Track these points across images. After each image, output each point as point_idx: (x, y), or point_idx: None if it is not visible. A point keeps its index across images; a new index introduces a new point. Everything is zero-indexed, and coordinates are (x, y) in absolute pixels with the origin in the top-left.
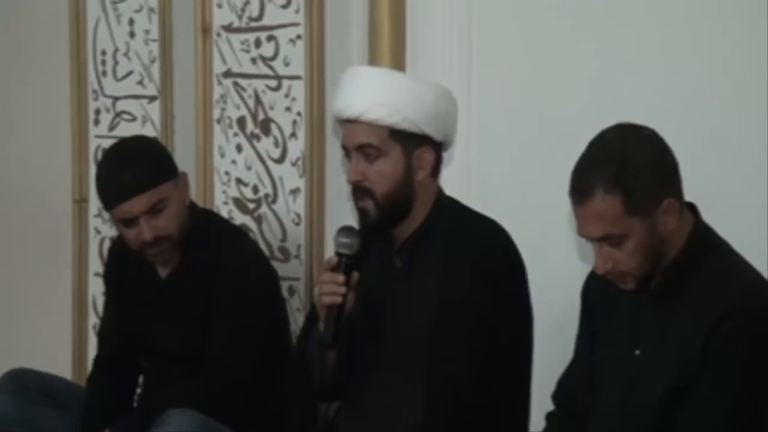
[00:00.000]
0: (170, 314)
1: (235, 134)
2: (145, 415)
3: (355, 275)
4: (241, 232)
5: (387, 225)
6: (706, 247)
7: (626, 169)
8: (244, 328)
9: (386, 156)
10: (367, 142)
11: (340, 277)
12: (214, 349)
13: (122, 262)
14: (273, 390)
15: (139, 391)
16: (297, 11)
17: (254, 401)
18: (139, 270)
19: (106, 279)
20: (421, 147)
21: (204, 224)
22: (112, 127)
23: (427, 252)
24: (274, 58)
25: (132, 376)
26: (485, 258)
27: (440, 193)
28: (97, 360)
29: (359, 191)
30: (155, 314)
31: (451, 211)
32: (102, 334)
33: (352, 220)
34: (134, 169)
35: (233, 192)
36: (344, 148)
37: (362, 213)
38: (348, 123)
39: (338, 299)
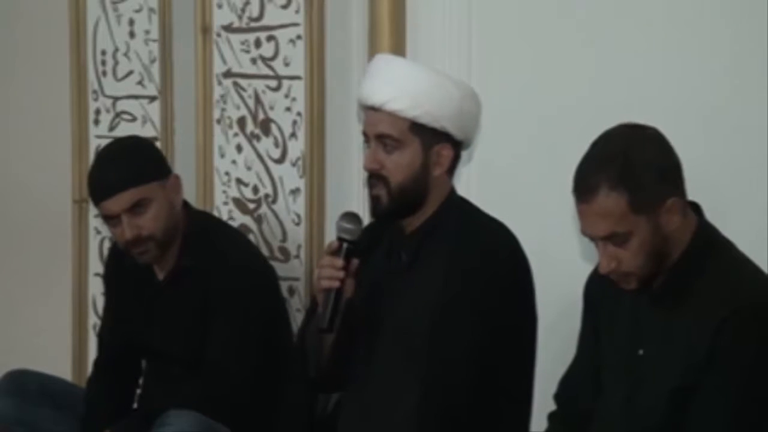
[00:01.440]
0: (168, 316)
1: (235, 134)
2: (146, 416)
3: (355, 261)
4: (238, 233)
5: (397, 215)
6: (710, 246)
7: (630, 168)
8: (242, 328)
9: (405, 148)
10: (387, 132)
11: (339, 262)
12: (213, 351)
13: (121, 265)
14: (273, 390)
15: (139, 392)
16: (297, 11)
17: (254, 401)
18: (138, 272)
19: (105, 281)
20: (441, 143)
21: (200, 226)
22: (112, 127)
23: (433, 248)
24: (274, 58)
25: (132, 377)
26: (489, 258)
27: (452, 191)
28: (97, 362)
29: (374, 178)
30: (153, 316)
31: (460, 209)
32: (101, 337)
33: None
34: (117, 167)
35: (233, 192)
36: (365, 134)
37: (374, 200)
38: (370, 110)
39: (336, 283)
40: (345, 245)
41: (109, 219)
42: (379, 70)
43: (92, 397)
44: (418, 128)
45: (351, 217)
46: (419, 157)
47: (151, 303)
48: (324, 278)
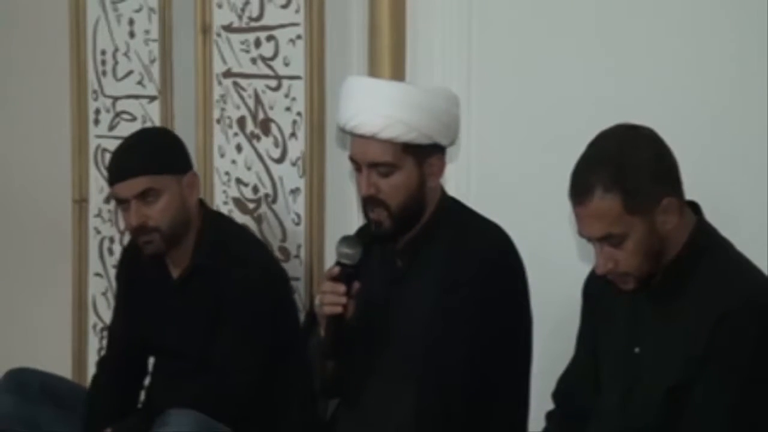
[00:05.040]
0: (181, 314)
1: (235, 134)
2: (148, 415)
3: (356, 285)
4: (251, 234)
5: (400, 233)
6: (708, 245)
7: (625, 169)
8: (250, 329)
9: (400, 170)
10: (381, 160)
11: (341, 288)
12: (221, 350)
13: (135, 262)
14: (277, 390)
15: (146, 391)
16: (297, 11)
17: (259, 401)
18: (153, 270)
19: (118, 278)
20: (433, 155)
21: (215, 226)
22: (112, 127)
23: (428, 253)
24: (274, 58)
25: (137, 377)
26: (483, 263)
27: (443, 193)
28: (104, 360)
29: (372, 203)
30: (166, 314)
31: (453, 212)
32: (111, 334)
33: (353, 220)
34: (134, 153)
35: (233, 192)
36: (353, 161)
37: (376, 224)
38: (359, 137)
39: (339, 309)
40: (345, 270)
41: (120, 203)
42: (363, 96)
43: (96, 394)
44: (410, 148)
45: (350, 241)
46: (415, 174)
47: (165, 301)
48: (327, 305)
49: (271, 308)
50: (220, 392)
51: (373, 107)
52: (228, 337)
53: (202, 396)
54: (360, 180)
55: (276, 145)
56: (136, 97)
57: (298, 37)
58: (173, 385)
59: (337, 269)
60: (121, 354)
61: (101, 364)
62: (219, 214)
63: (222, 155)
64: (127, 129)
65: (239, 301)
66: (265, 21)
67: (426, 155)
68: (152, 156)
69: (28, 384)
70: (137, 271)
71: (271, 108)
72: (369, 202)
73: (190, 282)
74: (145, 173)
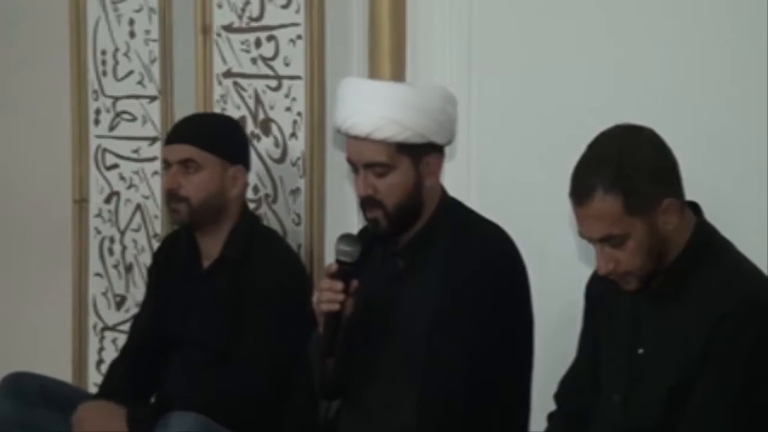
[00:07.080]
0: (204, 305)
1: None
2: (161, 408)
3: (354, 283)
4: (283, 239)
5: (397, 232)
6: (708, 245)
7: (625, 170)
8: (274, 330)
9: (396, 170)
10: (376, 161)
11: (339, 285)
12: (242, 349)
13: (172, 253)
14: (280, 393)
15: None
16: (297, 11)
17: (269, 403)
18: (186, 260)
19: (150, 270)
20: (429, 154)
21: (250, 224)
22: (112, 127)
23: (429, 254)
24: (274, 58)
25: (154, 370)
26: (485, 264)
27: (444, 194)
28: (125, 349)
29: (369, 203)
30: (191, 303)
31: (454, 213)
32: (136, 324)
33: (353, 220)
34: (192, 124)
35: None
36: (350, 162)
37: (373, 223)
38: (353, 139)
39: (336, 306)
40: (344, 267)
41: (164, 163)
42: (355, 97)
43: (111, 377)
44: (405, 147)
45: (349, 239)
46: (411, 174)
47: (191, 290)
48: (324, 302)
49: (295, 312)
50: (237, 392)
51: (365, 108)
52: (251, 337)
53: (217, 393)
54: (357, 181)
55: (276, 145)
56: (137, 97)
57: (299, 37)
58: (189, 377)
59: (335, 266)
60: (142, 344)
61: (122, 352)
62: (257, 217)
63: None
64: (127, 129)
65: (266, 301)
66: (266, 21)
67: (422, 154)
68: (206, 131)
69: (27, 388)
70: (172, 259)
71: (272, 108)
72: (366, 203)
73: (218, 273)
74: (192, 143)
